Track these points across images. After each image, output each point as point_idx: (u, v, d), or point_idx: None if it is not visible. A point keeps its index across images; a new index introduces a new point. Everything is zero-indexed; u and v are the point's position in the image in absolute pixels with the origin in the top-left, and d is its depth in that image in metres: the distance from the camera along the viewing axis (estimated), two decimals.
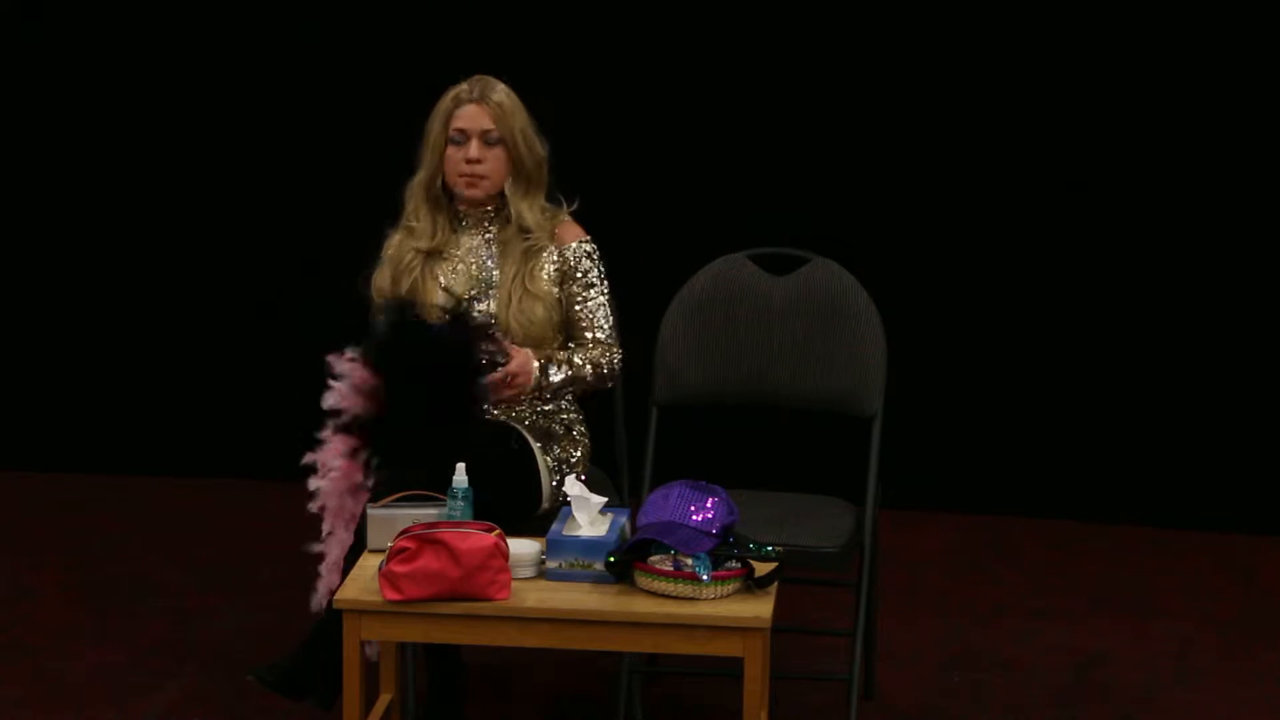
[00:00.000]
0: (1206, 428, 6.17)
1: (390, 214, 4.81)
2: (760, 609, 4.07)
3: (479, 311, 4.66)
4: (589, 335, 4.71)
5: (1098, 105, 6.07)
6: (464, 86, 4.71)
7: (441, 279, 4.70)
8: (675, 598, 4.08)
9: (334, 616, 4.24)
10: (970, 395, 6.26)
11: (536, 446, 4.65)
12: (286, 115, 6.38)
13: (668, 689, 5.09)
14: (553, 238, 4.72)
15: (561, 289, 4.71)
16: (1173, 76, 6.03)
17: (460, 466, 4.25)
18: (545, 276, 4.69)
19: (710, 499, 4.21)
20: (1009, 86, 6.10)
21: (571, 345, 4.71)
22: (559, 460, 4.68)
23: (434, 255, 4.73)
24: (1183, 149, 6.06)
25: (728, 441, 5.98)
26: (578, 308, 4.71)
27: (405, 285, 4.70)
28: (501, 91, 4.70)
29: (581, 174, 4.84)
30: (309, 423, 6.48)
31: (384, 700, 4.55)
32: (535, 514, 4.62)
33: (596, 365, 4.68)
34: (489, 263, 4.71)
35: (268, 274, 6.46)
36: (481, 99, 4.68)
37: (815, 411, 4.99)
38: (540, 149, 4.72)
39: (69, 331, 6.57)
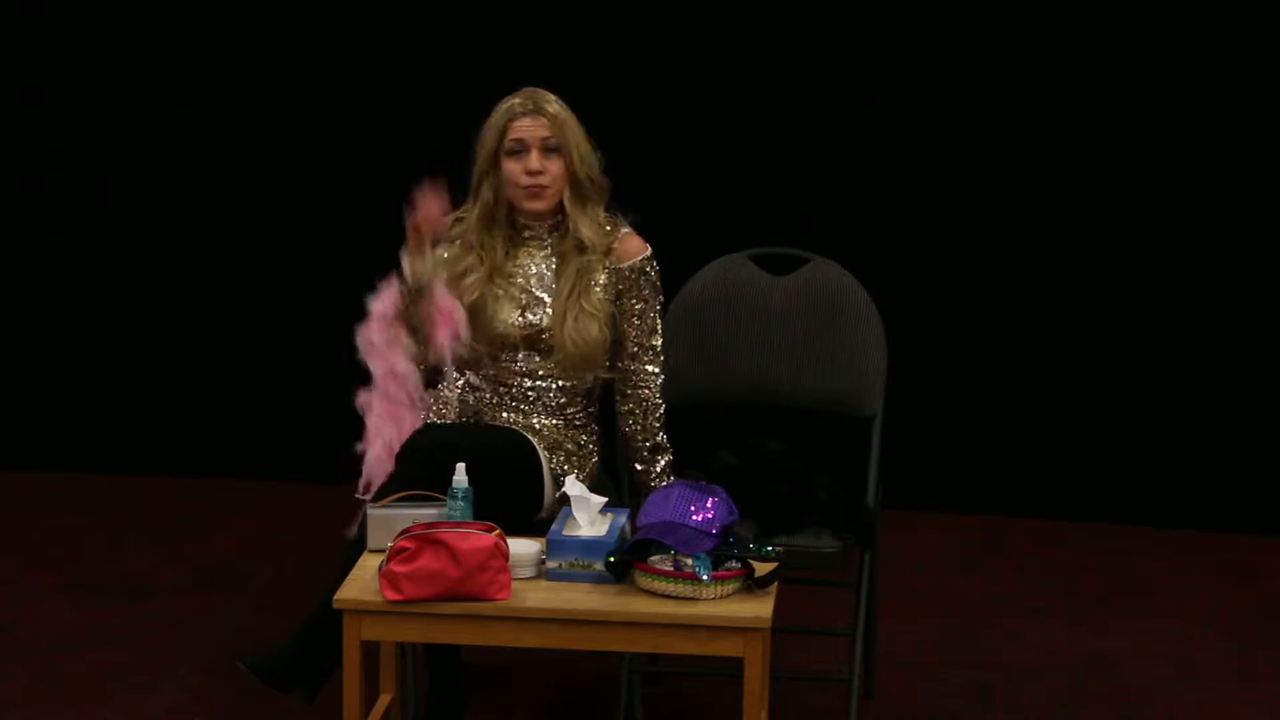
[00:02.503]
0: (1207, 427, 6.17)
1: (392, 214, 4.80)
2: (760, 609, 4.07)
3: (533, 324, 4.64)
4: (635, 347, 4.67)
5: (1097, 106, 6.07)
6: (515, 100, 4.62)
7: (508, 302, 4.63)
8: (675, 598, 4.08)
9: (323, 613, 4.24)
10: (969, 396, 6.25)
11: (544, 455, 4.62)
12: (294, 114, 6.37)
13: (668, 689, 5.08)
14: (610, 253, 4.65)
15: (617, 305, 4.67)
16: (1170, 76, 6.02)
17: (460, 466, 4.25)
18: (600, 293, 4.64)
19: (710, 499, 4.21)
20: (1009, 87, 6.09)
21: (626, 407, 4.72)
22: (559, 472, 4.65)
23: (496, 273, 4.66)
24: (1182, 149, 6.06)
25: (728, 441, 5.96)
26: (628, 324, 4.67)
27: (466, 302, 4.61)
28: (555, 102, 4.63)
29: None
30: (309, 423, 6.48)
31: (384, 700, 4.55)
32: (533, 519, 4.60)
33: (651, 429, 4.73)
34: (547, 277, 4.66)
35: (269, 273, 6.45)
36: (537, 110, 4.60)
37: (815, 411, 4.98)
38: (596, 159, 4.66)
39: (69, 331, 6.56)
